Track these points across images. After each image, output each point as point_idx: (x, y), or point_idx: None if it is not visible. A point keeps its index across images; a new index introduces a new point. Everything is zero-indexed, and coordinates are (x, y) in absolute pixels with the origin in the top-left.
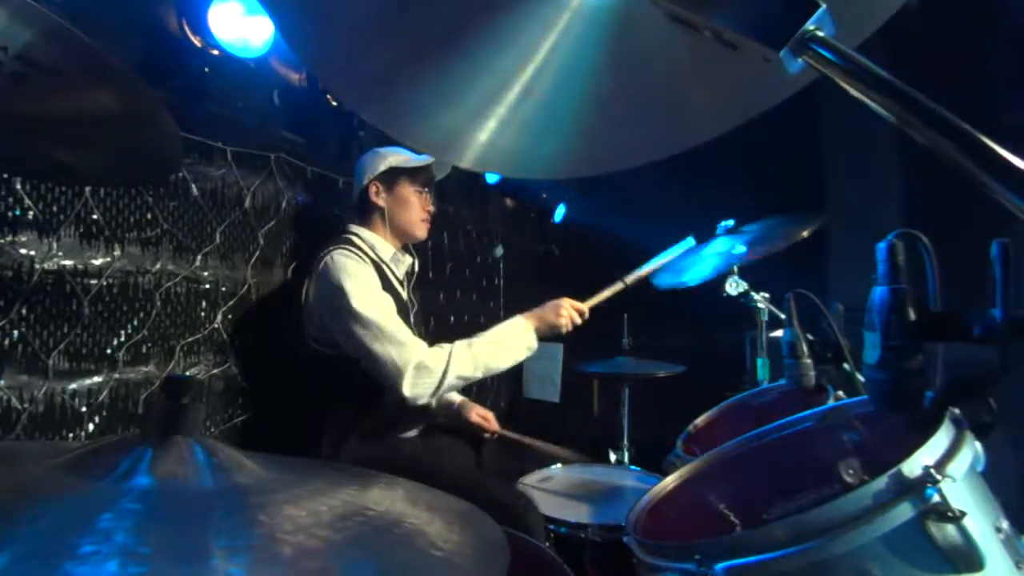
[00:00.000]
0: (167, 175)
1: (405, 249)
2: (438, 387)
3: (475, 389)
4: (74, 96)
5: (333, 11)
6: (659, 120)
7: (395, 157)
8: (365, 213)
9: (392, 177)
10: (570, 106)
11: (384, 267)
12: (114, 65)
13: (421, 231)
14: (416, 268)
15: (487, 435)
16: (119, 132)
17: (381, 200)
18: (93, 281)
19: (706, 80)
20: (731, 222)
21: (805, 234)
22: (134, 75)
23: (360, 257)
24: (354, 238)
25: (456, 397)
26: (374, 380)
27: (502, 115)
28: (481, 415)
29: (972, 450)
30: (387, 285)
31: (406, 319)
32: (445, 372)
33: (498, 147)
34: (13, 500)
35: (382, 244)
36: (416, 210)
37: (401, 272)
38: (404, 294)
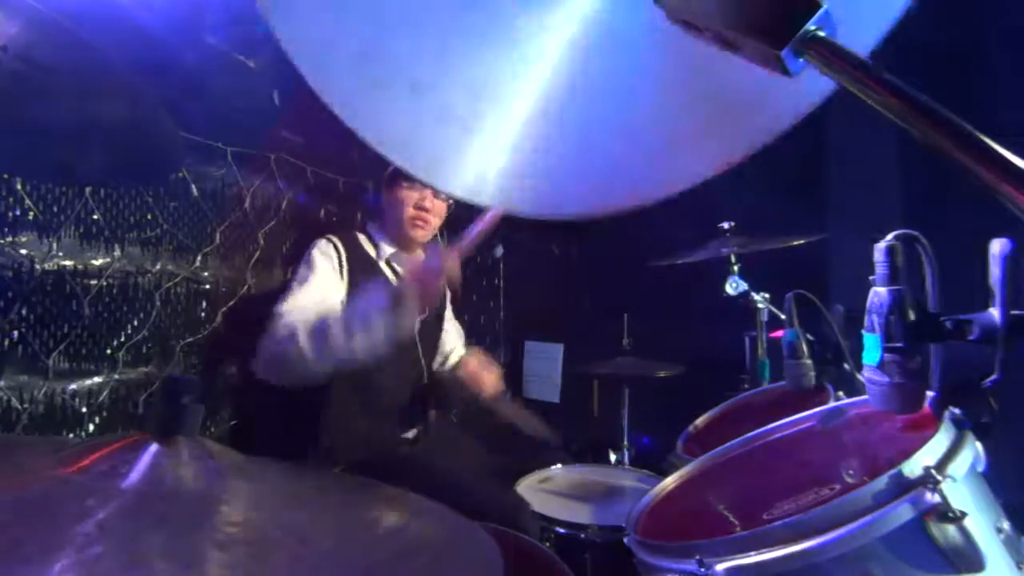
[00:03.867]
0: (167, 176)
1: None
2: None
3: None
4: (74, 96)
5: (342, 28)
6: (663, 154)
7: None
8: (377, 213)
9: (393, 177)
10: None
11: (381, 264)
12: (114, 65)
13: (410, 229)
14: None
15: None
16: (119, 132)
17: (384, 200)
18: (93, 281)
19: (716, 107)
20: (731, 222)
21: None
22: (135, 75)
23: (334, 248)
24: (359, 233)
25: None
26: (371, 380)
27: (524, 158)
28: (473, 371)
29: (972, 450)
30: (372, 279)
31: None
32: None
33: (526, 186)
34: (10, 498)
35: (386, 241)
36: (406, 208)
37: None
38: None
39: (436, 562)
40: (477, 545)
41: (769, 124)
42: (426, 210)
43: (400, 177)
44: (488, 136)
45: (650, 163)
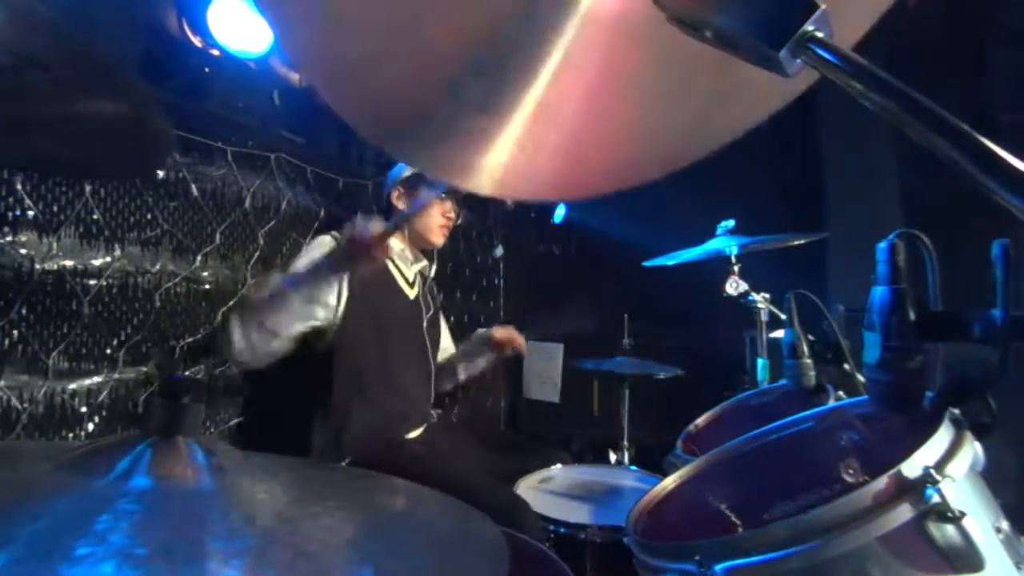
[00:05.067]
0: (157, 167)
1: (423, 252)
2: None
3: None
4: (60, 87)
5: (340, 31)
6: (660, 137)
7: None
8: (387, 216)
9: (415, 182)
10: (579, 123)
11: (387, 262)
12: (99, 56)
13: (437, 237)
14: (431, 272)
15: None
16: (105, 124)
17: (401, 204)
18: (93, 281)
19: (709, 89)
20: (731, 222)
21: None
22: (120, 66)
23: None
24: None
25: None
26: (374, 380)
27: (514, 137)
28: (504, 335)
29: (972, 450)
30: (381, 277)
31: (410, 319)
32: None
33: (518, 170)
34: (12, 500)
35: (391, 241)
36: (433, 216)
37: (411, 272)
38: (412, 293)
39: (442, 548)
40: (481, 530)
41: (759, 105)
42: (450, 219)
43: (424, 182)
44: (492, 124)
45: (647, 146)
